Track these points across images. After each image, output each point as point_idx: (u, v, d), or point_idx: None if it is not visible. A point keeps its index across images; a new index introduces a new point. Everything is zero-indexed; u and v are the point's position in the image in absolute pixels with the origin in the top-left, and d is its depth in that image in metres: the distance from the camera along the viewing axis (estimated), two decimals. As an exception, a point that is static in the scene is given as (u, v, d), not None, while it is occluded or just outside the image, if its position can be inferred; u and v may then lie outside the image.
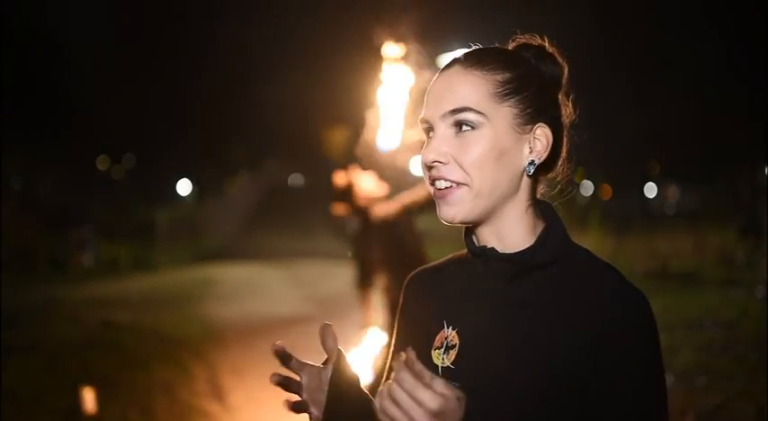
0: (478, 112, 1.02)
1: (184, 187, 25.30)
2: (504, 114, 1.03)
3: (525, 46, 1.11)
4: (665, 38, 18.75)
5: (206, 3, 21.15)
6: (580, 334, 0.99)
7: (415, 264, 1.30)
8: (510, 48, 1.12)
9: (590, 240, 12.60)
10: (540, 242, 1.06)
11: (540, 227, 1.08)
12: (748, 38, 16.64)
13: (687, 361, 5.82)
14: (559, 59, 1.11)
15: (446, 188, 1.03)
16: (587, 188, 26.13)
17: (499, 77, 1.04)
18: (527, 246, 1.06)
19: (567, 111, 1.11)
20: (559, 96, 1.10)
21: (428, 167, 1.04)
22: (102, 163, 27.25)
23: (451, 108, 1.03)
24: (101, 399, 5.03)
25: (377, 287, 3.93)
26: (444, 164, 1.03)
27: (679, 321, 7.31)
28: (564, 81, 1.11)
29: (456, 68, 1.06)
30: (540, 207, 1.10)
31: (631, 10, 18.86)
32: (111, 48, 20.23)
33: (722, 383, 5.23)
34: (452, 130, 1.04)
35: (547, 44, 1.12)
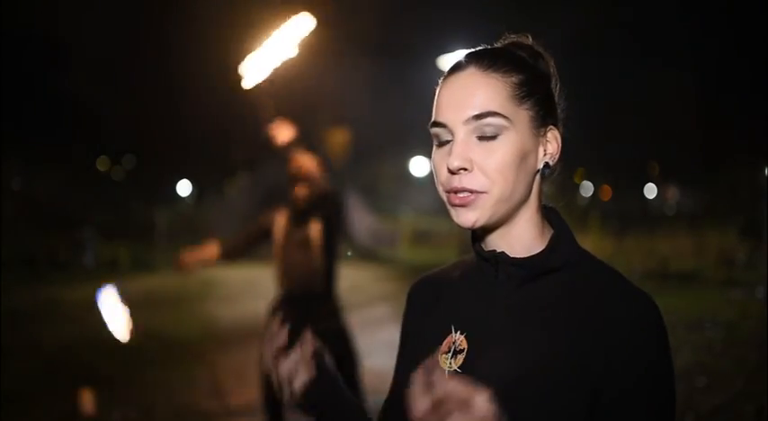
0: (504, 117, 1.00)
1: (184, 188, 25.30)
2: (523, 117, 1.02)
3: (518, 45, 1.10)
4: (665, 38, 18.75)
5: (206, 3, 21.13)
6: (590, 337, 0.98)
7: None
8: (503, 47, 1.11)
9: (590, 241, 12.62)
10: (552, 246, 1.05)
11: (548, 231, 1.08)
12: (748, 37, 16.64)
13: (687, 361, 5.82)
14: (548, 58, 1.11)
15: (465, 196, 1.01)
16: (587, 189, 26.12)
17: (515, 79, 1.03)
18: (537, 250, 1.05)
19: (561, 110, 1.11)
20: (555, 96, 1.10)
21: (450, 173, 1.01)
22: (102, 164, 27.25)
23: (476, 113, 1.00)
24: (101, 400, 5.03)
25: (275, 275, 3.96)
26: (469, 171, 1.00)
27: (679, 321, 7.32)
28: (555, 80, 1.11)
29: (472, 71, 1.03)
30: (545, 211, 1.10)
31: (631, 9, 18.86)
32: (111, 48, 20.22)
33: (722, 384, 5.23)
34: (475, 136, 1.01)
35: (534, 43, 1.11)
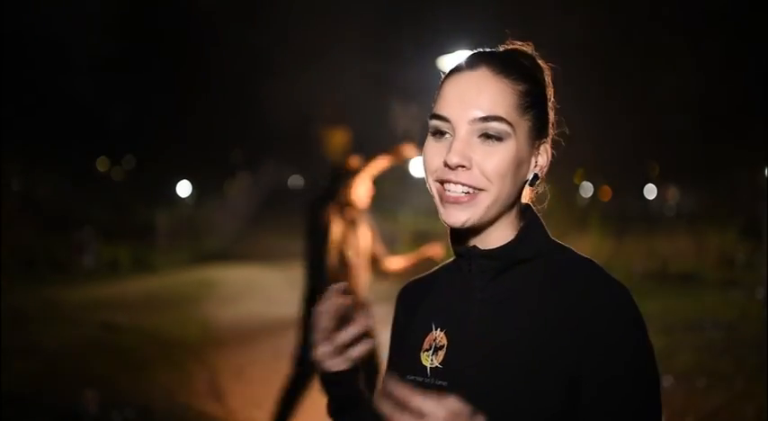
0: (509, 123, 1.02)
1: (184, 188, 25.26)
2: (523, 127, 1.04)
3: (522, 54, 1.11)
4: (664, 38, 18.75)
5: (205, 3, 21.15)
6: (566, 325, 0.99)
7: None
8: (511, 53, 1.12)
9: (590, 241, 12.62)
10: (521, 236, 1.07)
11: (520, 225, 1.10)
12: (748, 38, 16.65)
13: (687, 362, 5.83)
14: (546, 69, 1.12)
15: (465, 194, 1.02)
16: (587, 189, 26.12)
17: (521, 88, 1.04)
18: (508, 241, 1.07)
19: (552, 121, 1.12)
20: (549, 108, 1.11)
21: (448, 169, 1.02)
22: (101, 164, 27.24)
23: (484, 115, 1.01)
24: (100, 401, 5.03)
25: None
26: (467, 169, 1.01)
27: (679, 322, 7.33)
28: (550, 91, 1.12)
29: (483, 72, 1.04)
30: (520, 207, 1.12)
31: (630, 10, 18.87)
32: (111, 48, 20.24)
33: (722, 384, 5.23)
34: (478, 136, 1.02)
35: (534, 52, 1.12)
